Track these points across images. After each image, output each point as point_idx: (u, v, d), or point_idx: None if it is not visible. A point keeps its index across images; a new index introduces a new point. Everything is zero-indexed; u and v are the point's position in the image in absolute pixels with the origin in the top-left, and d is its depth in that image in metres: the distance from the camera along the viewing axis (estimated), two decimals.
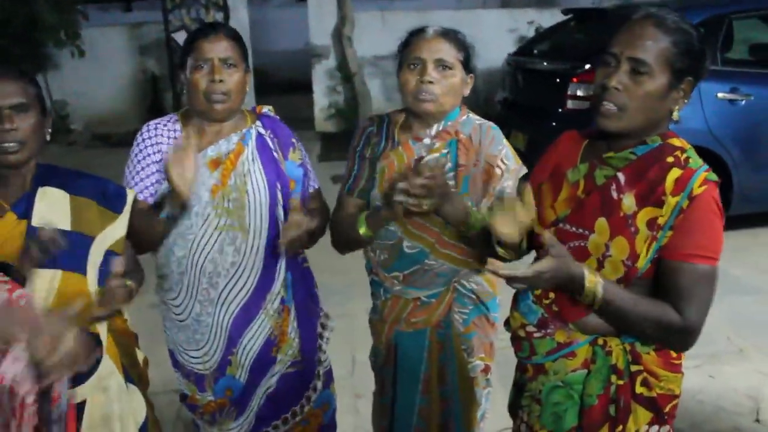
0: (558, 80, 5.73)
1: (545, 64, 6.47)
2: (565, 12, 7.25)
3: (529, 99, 6.41)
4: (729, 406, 3.45)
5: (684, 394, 1.90)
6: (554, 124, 5.55)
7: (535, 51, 6.98)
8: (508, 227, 1.78)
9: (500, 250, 1.88)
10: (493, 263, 1.69)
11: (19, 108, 1.87)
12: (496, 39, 9.31)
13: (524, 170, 2.22)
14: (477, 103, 8.35)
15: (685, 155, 1.73)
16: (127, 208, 2.07)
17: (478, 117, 2.29)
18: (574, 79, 5.50)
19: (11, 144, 1.86)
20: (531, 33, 9.38)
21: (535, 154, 2.09)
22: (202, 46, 2.18)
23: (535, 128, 5.92)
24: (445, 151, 2.20)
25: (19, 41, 8.11)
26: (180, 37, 9.31)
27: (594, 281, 1.69)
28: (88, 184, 2.04)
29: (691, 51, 1.70)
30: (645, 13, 1.73)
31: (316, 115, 10.22)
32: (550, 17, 8.46)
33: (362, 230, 2.19)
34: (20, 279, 1.78)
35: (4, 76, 1.89)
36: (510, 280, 1.70)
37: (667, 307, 1.70)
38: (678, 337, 1.73)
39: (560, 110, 5.55)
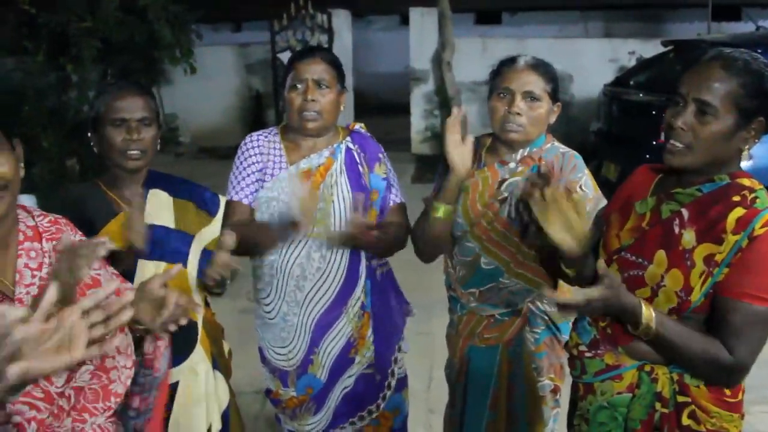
0: (653, 112, 5.68)
1: (641, 95, 6.39)
2: (664, 43, 7.11)
3: (624, 130, 6.35)
4: None
5: None
6: (647, 156, 5.39)
7: (632, 82, 6.88)
8: (560, 230, 1.73)
9: (568, 270, 1.87)
10: (552, 290, 1.69)
11: (144, 121, 2.14)
12: (597, 68, 9.25)
13: (603, 201, 2.24)
14: (573, 131, 8.31)
15: (753, 195, 1.69)
16: (221, 212, 2.33)
17: (562, 146, 2.36)
18: None
19: (135, 152, 2.13)
20: (632, 63, 9.20)
21: None
22: (298, 68, 2.37)
23: (627, 160, 5.82)
24: (526, 175, 2.27)
25: (139, 57, 8.64)
26: (285, 57, 9.62)
27: (649, 315, 1.68)
28: (188, 189, 2.32)
29: (761, 92, 1.67)
30: (714, 53, 1.72)
31: (413, 137, 10.38)
32: (653, 48, 8.22)
33: (440, 212, 2.23)
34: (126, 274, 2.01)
35: (135, 92, 2.16)
36: (562, 307, 1.72)
37: (717, 344, 1.67)
38: (725, 374, 1.71)
39: (654, 143, 5.44)
